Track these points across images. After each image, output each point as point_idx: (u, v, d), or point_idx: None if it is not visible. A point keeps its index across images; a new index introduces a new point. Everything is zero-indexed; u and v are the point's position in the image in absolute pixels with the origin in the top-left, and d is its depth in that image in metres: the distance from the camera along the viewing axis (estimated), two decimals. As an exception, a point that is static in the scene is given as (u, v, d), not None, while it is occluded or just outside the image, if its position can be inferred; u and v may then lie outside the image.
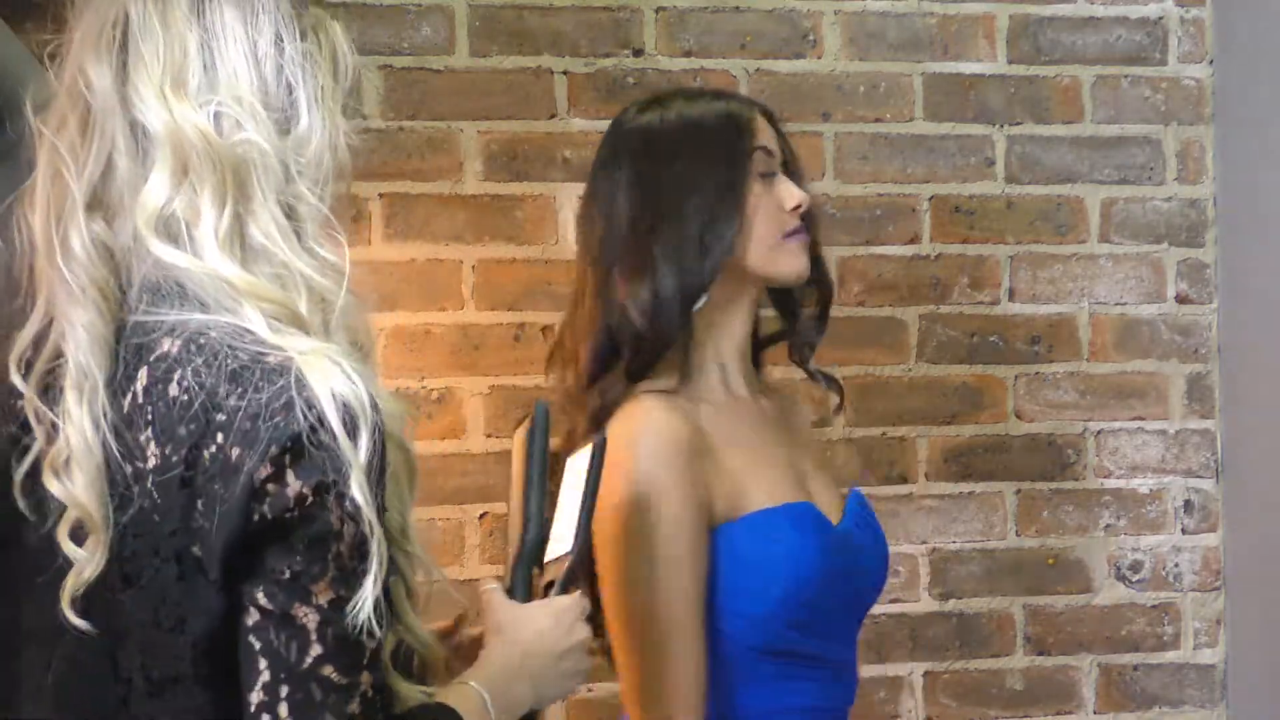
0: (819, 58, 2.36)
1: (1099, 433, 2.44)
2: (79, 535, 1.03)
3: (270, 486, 1.01)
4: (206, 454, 1.02)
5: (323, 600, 1.03)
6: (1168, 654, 2.43)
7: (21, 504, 1.06)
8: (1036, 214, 2.43)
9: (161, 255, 1.06)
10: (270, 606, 1.03)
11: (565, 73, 2.30)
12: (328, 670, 1.03)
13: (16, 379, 1.06)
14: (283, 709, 1.03)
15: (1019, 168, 2.43)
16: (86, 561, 1.02)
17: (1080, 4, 2.42)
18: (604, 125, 2.22)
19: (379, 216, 2.24)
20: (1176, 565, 2.44)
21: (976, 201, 2.41)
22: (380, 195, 2.23)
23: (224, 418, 1.02)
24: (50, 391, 1.06)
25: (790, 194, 1.60)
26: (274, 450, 1.01)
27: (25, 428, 1.07)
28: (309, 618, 1.03)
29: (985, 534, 2.40)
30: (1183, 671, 2.44)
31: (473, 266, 2.27)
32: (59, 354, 1.06)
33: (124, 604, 1.04)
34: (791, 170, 1.65)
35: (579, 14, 2.29)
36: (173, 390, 1.04)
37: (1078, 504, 2.43)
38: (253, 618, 1.03)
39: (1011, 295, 2.42)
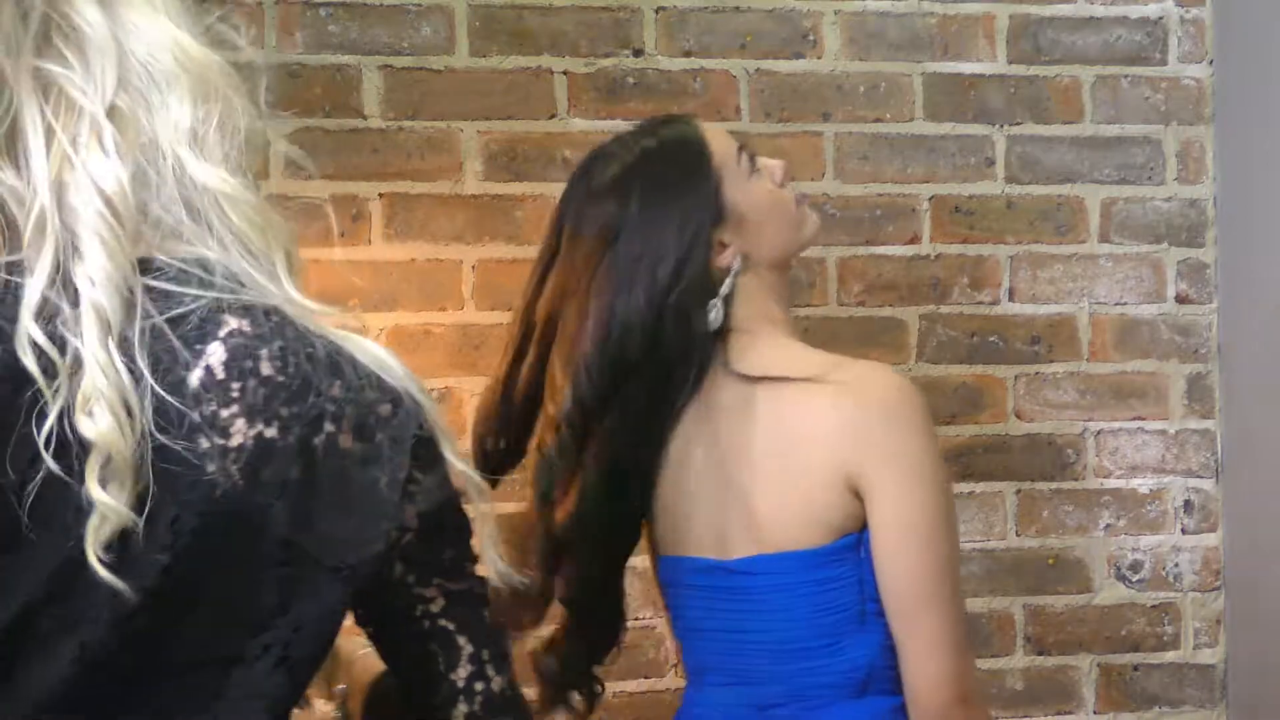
0: (819, 58, 2.36)
1: (1099, 433, 2.44)
2: (106, 479, 0.98)
3: (412, 488, 1.05)
4: (317, 441, 1.02)
5: (474, 567, 1.12)
6: (1168, 654, 2.43)
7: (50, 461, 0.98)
8: (1036, 214, 2.43)
9: (199, 176, 1.03)
10: (457, 588, 1.10)
11: (565, 73, 2.30)
12: (495, 623, 1.15)
13: (33, 328, 0.99)
14: (489, 669, 1.13)
15: (1019, 168, 2.43)
16: (113, 510, 0.97)
17: (1080, 4, 2.43)
18: (604, 125, 2.27)
19: (379, 216, 2.24)
20: (1176, 565, 2.45)
21: (976, 201, 2.42)
22: (380, 195, 2.24)
23: (333, 407, 1.03)
24: (60, 338, 1.00)
25: None
26: (405, 453, 1.04)
27: (29, 381, 1.00)
28: (477, 586, 1.12)
29: (985, 534, 2.40)
30: (1183, 671, 2.44)
31: (473, 266, 2.28)
32: (75, 299, 1.00)
33: (161, 582, 1.00)
34: None
35: (579, 14, 2.29)
36: (265, 369, 1.02)
37: (1078, 504, 2.43)
38: (438, 604, 1.10)
39: (1011, 295, 2.42)
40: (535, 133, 2.29)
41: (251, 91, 1.10)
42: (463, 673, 1.12)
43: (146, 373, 0.99)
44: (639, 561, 2.26)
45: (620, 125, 2.21)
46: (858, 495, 1.44)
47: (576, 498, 1.50)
